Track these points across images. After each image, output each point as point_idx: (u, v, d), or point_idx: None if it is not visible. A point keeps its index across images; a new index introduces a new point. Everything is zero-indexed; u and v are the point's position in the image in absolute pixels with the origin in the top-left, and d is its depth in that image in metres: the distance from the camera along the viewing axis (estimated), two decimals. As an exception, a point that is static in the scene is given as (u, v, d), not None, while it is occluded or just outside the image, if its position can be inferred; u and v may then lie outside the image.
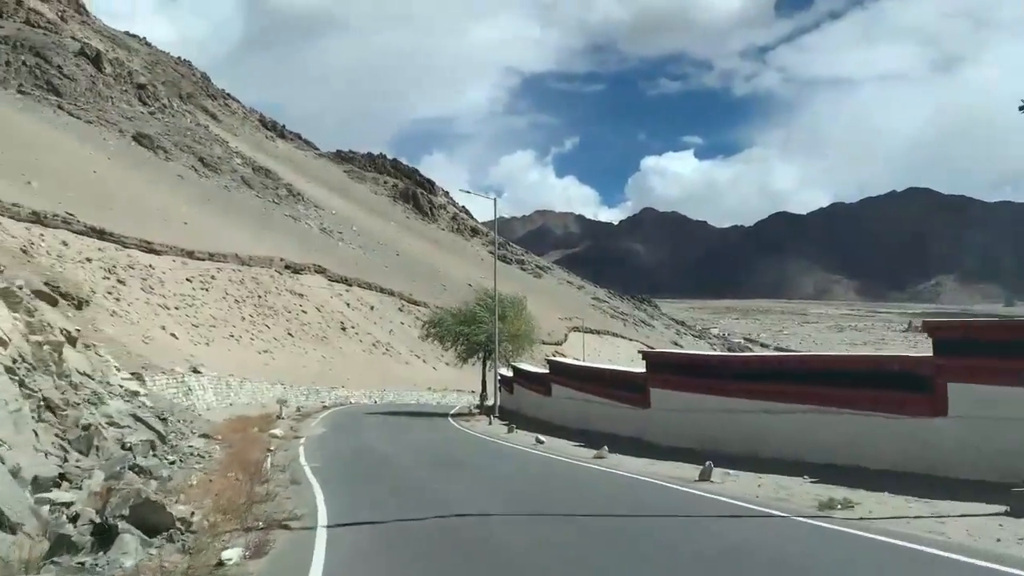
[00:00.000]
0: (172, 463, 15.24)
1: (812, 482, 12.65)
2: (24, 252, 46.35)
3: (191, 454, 17.05)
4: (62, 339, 15.89)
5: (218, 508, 10.06)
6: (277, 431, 23.48)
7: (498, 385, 42.38)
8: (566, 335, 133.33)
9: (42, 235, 60.19)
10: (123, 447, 15.56)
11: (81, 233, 65.46)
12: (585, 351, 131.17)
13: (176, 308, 63.71)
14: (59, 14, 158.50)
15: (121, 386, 20.26)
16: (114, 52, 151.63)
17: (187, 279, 71.12)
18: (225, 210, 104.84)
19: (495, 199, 43.17)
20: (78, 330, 20.76)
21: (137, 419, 17.86)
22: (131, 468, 12.46)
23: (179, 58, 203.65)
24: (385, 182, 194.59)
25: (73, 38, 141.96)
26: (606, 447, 18.14)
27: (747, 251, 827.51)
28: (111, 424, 16.77)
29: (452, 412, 44.07)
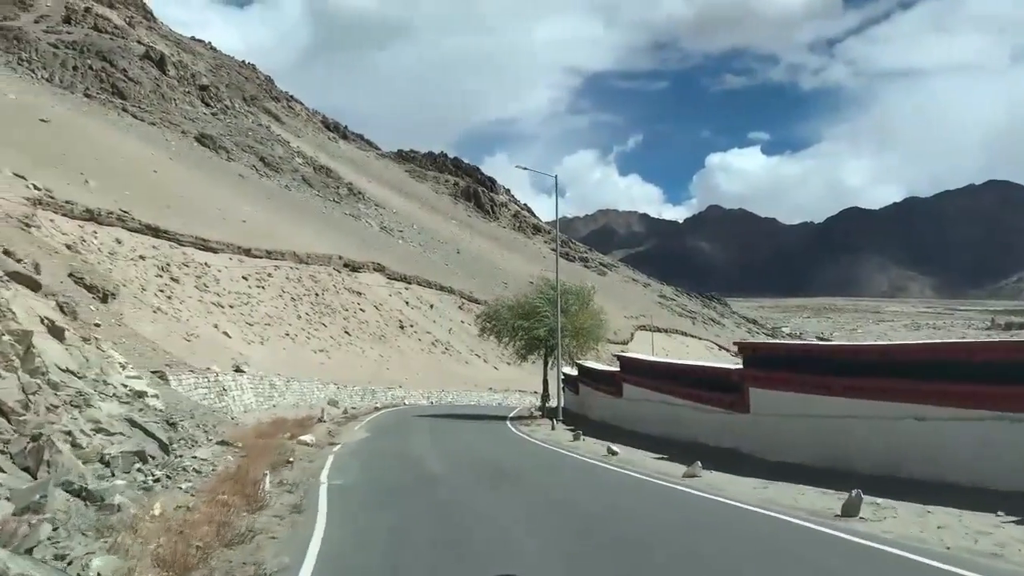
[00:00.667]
0: (156, 481, 12.24)
1: (1014, 521, 8.86)
2: (69, 248, 44.87)
3: (190, 468, 14.06)
4: (29, 329, 13.08)
5: (158, 561, 6.87)
6: (309, 437, 20.46)
7: (561, 385, 38.85)
8: (632, 334, 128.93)
9: (95, 232, 59.06)
10: (102, 460, 12.66)
11: (136, 231, 64.33)
12: (653, 350, 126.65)
13: (230, 306, 62.03)
14: (127, 20, 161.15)
15: (125, 386, 17.47)
16: (179, 56, 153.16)
17: (243, 277, 69.55)
18: (284, 209, 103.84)
19: (555, 177, 38.89)
20: (97, 323, 18.13)
21: (133, 424, 14.97)
22: (74, 491, 9.42)
23: (243, 62, 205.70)
24: (446, 181, 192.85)
25: (139, 42, 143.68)
26: (698, 463, 14.49)
27: (817, 248, 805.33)
28: (98, 431, 13.88)
29: (511, 415, 40.68)
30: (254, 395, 31.58)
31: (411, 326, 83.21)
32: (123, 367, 17.99)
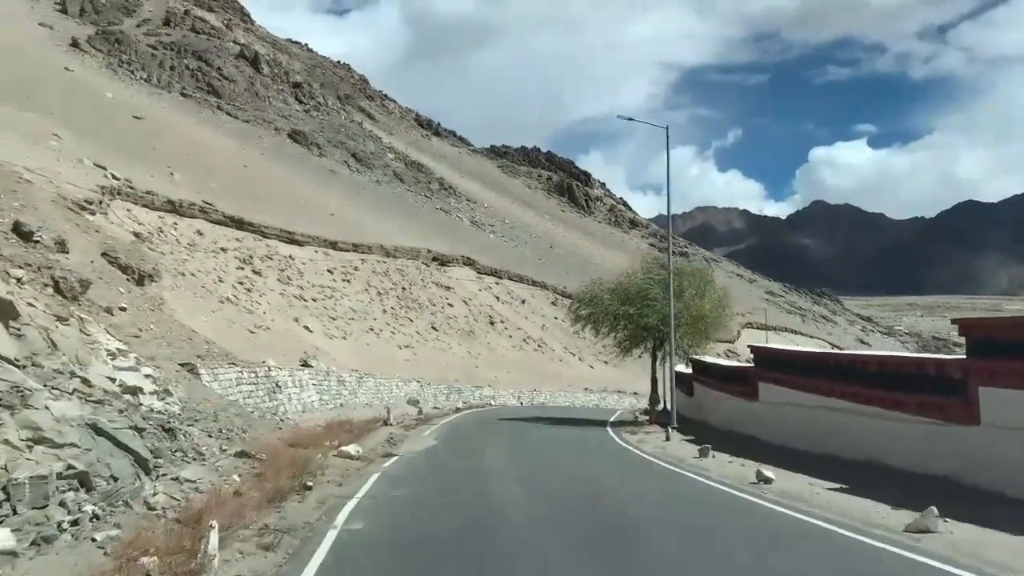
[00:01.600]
0: (66, 528, 7.86)
1: None
2: (137, 236, 42.34)
3: (150, 500, 9.69)
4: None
5: None
6: (354, 448, 15.99)
7: (673, 385, 33.27)
8: (739, 332, 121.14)
9: (176, 224, 57.05)
10: (3, 489, 8.45)
11: (218, 223, 62.25)
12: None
13: (313, 300, 59.11)
14: (224, 23, 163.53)
15: (113, 379, 13.34)
16: (273, 56, 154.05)
17: (328, 270, 66.76)
18: (374, 203, 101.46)
19: (667, 129, 32.76)
20: (123, 307, 14.20)
21: (98, 432, 10.74)
22: None
23: (338, 62, 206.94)
24: (539, 176, 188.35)
25: (235, 42, 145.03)
26: (933, 509, 9.09)
27: (929, 244, 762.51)
28: (38, 441, 9.72)
29: (612, 419, 35.35)
30: (317, 393, 27.64)
31: (501, 322, 78.92)
32: (115, 355, 13.90)
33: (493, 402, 50.65)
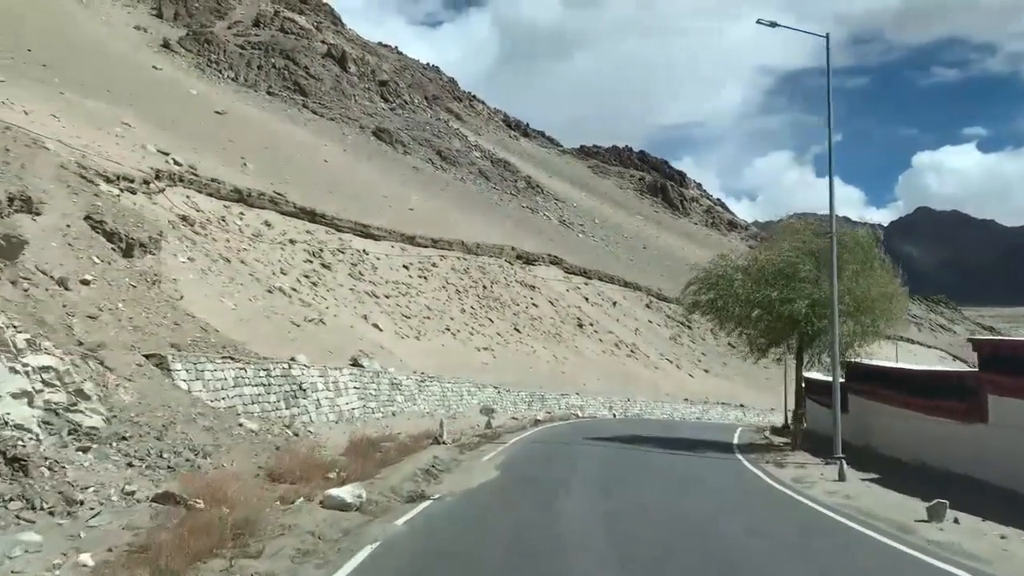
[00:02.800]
0: None
1: None
2: (184, 219, 38.33)
3: None
4: None
5: None
6: (351, 491, 10.21)
7: (836, 398, 25.22)
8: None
9: (242, 213, 53.41)
10: None
11: (289, 214, 58.48)
12: (872, 360, 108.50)
13: (386, 297, 54.53)
14: (315, 25, 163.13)
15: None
16: (361, 55, 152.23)
17: (404, 266, 62.19)
18: (456, 199, 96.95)
19: (827, 36, 24.96)
20: (86, 279, 9.10)
21: None
22: None
23: (427, 64, 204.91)
24: (631, 176, 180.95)
25: (322, 42, 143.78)
26: None
27: None
28: None
29: (737, 441, 28.28)
30: (361, 399, 22.43)
31: (591, 324, 72.75)
32: (21, 350, 8.67)
33: (581, 413, 44.54)
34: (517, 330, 62.28)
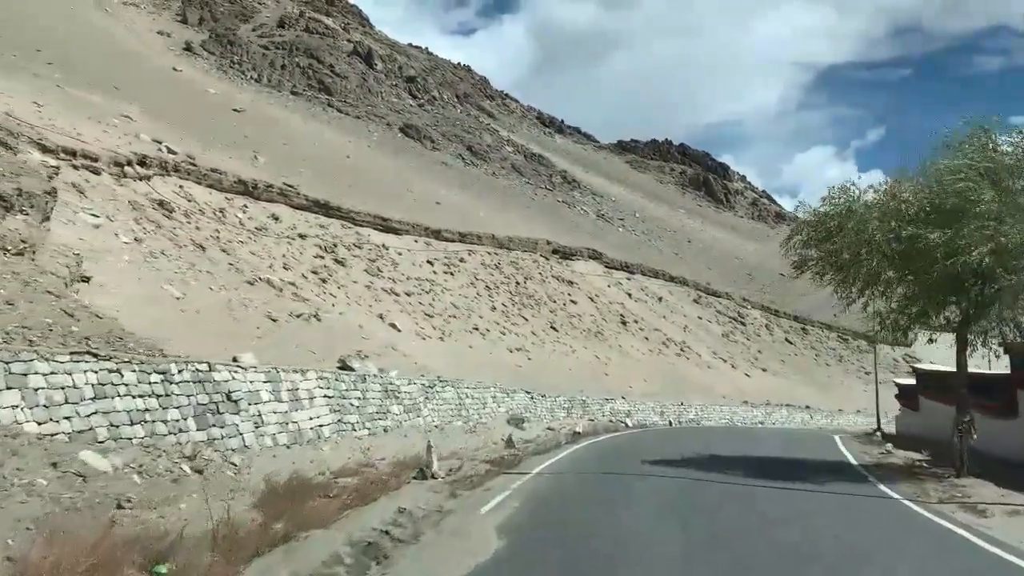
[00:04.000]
0: None
1: None
2: (160, 204, 33.27)
3: None
4: None
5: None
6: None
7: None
8: (916, 335, 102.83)
9: (246, 206, 48.53)
10: None
11: (300, 208, 53.54)
12: (940, 355, 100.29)
13: (407, 294, 49.15)
14: (343, 26, 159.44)
15: None
16: (389, 54, 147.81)
17: (428, 262, 56.81)
18: (487, 193, 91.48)
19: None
20: None
21: None
22: None
23: (458, 64, 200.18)
24: (671, 169, 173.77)
25: (348, 40, 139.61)
26: None
27: None
28: None
29: (855, 460, 21.50)
30: (336, 411, 16.75)
31: (635, 322, 66.56)
32: None
33: (628, 421, 38.30)
34: (554, 329, 56.44)
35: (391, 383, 20.39)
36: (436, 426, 21.53)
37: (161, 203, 32.42)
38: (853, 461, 20.20)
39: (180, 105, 73.59)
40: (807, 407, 60.14)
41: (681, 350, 65.26)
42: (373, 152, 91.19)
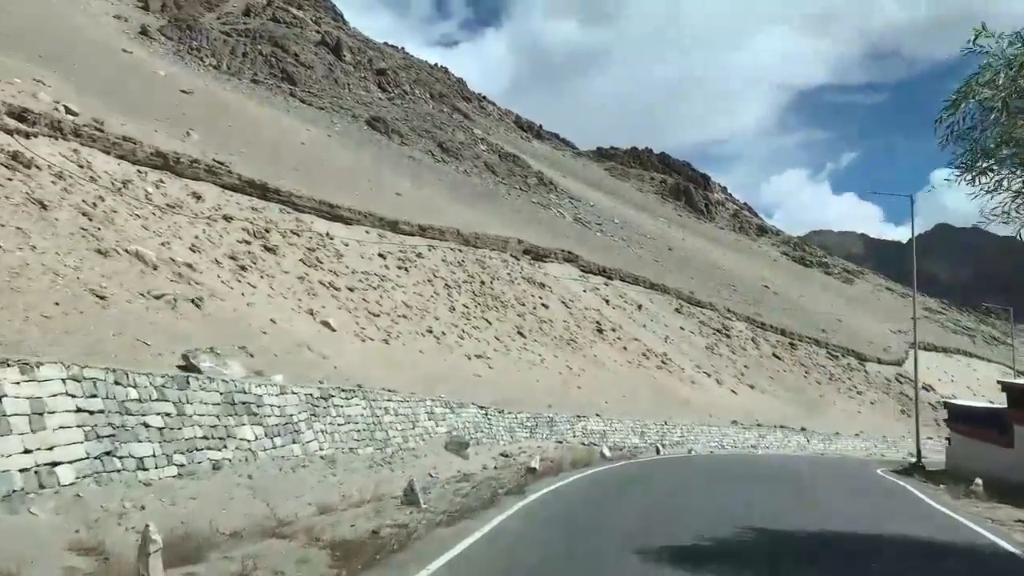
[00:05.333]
0: None
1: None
2: (14, 157, 26.21)
3: None
4: None
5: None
6: None
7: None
8: (907, 352, 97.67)
9: (161, 181, 41.43)
10: None
11: (232, 188, 46.59)
12: (935, 374, 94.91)
13: (350, 289, 42.31)
14: (314, 19, 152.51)
15: None
16: (360, 47, 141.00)
17: (380, 255, 50.00)
18: (457, 190, 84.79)
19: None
20: None
21: None
22: None
23: (435, 64, 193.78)
24: (652, 179, 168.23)
25: (316, 31, 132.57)
26: None
27: None
28: None
29: (960, 516, 15.09)
30: (95, 439, 9.82)
31: (612, 330, 60.05)
32: None
33: (605, 447, 31.10)
34: (521, 334, 49.74)
35: (244, 389, 13.49)
36: (323, 457, 14.71)
37: (15, 155, 25.32)
38: (1007, 546, 12.44)
39: (116, 82, 66.27)
40: (803, 429, 53.84)
41: (663, 362, 58.78)
42: (333, 142, 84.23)
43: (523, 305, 55.01)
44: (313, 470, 13.30)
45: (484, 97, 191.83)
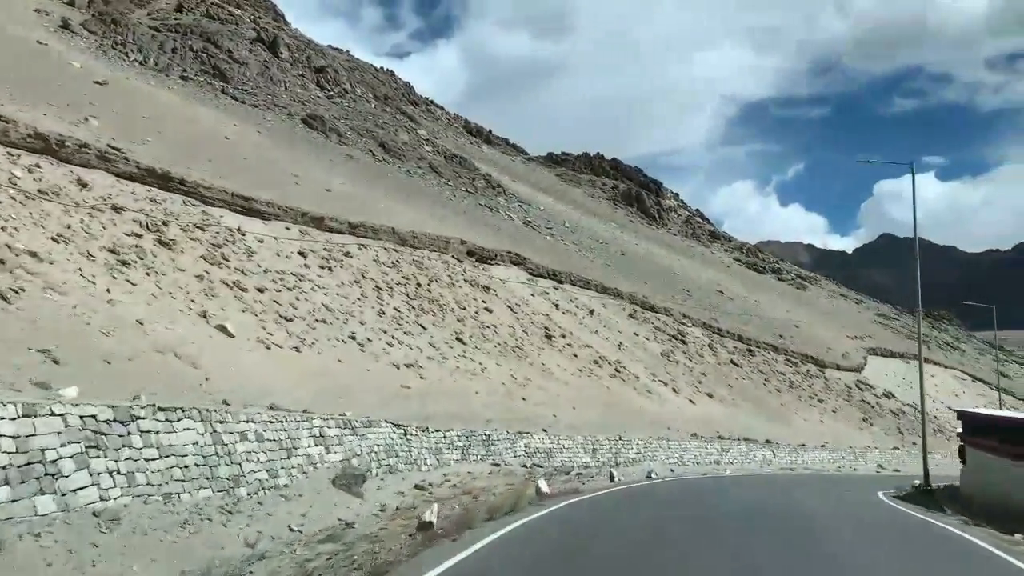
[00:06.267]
0: None
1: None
2: None
3: None
4: None
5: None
6: None
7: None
8: (865, 358, 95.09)
9: (38, 165, 35.67)
10: None
11: (127, 176, 40.94)
12: (894, 380, 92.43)
13: (259, 290, 36.90)
14: (252, 19, 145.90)
15: None
16: (298, 45, 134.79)
17: (300, 253, 44.59)
18: (397, 190, 79.49)
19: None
20: None
21: None
22: None
23: (381, 68, 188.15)
24: (603, 184, 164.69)
25: (253, 29, 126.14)
26: None
27: (1009, 277, 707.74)
28: None
29: None
30: None
31: (562, 336, 55.41)
32: None
33: (543, 482, 25.63)
34: (461, 341, 44.71)
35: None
36: (100, 512, 9.56)
37: None
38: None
39: (13, 68, 59.69)
40: (768, 441, 49.70)
41: (616, 370, 54.26)
42: (262, 138, 78.32)
43: (464, 309, 50.01)
44: (58, 538, 8.29)
45: (432, 102, 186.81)
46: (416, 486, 18.58)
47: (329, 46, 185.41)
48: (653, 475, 26.41)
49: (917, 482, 27.96)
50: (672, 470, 34.74)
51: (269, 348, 31.61)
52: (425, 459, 24.01)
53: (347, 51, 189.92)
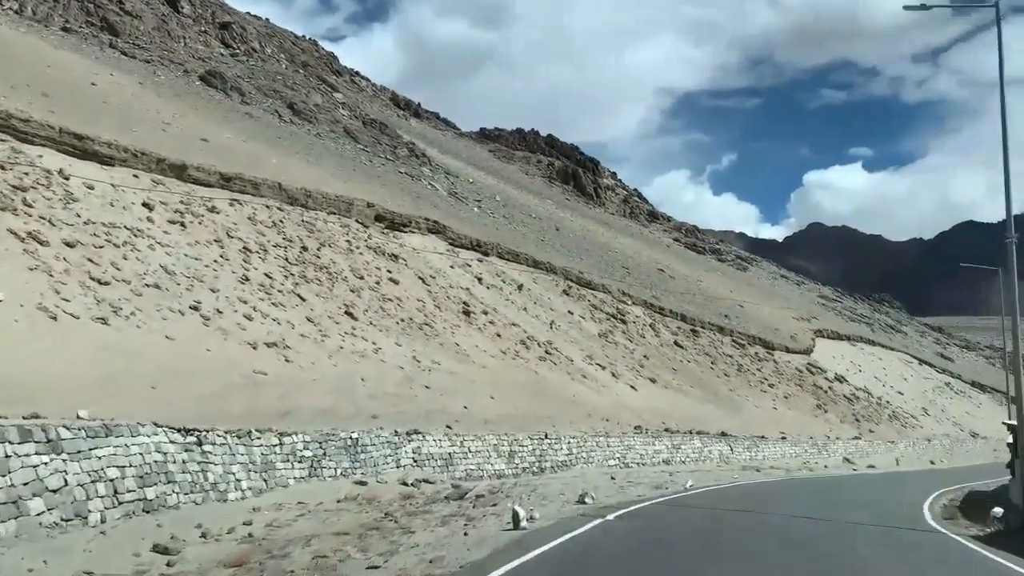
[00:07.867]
0: None
1: None
2: None
3: None
4: None
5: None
6: None
7: None
8: (813, 340, 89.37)
9: None
10: None
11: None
12: (843, 364, 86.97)
13: (69, 245, 27.65)
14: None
15: None
16: (205, 4, 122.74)
17: (144, 204, 35.09)
18: (302, 150, 69.92)
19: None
20: None
21: None
22: None
23: (303, 36, 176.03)
24: (539, 161, 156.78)
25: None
26: None
27: (930, 265, 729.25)
28: None
29: None
30: None
31: (484, 312, 47.16)
32: None
33: (447, 489, 16.97)
34: (351, 315, 35.98)
35: None
36: None
37: None
38: None
39: None
40: (723, 434, 42.33)
41: (547, 352, 46.29)
42: (143, 89, 67.75)
43: (361, 279, 41.21)
44: None
45: (357, 72, 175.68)
46: (154, 547, 10.14)
47: (248, 13, 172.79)
48: (589, 498, 18.32)
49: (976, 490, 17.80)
50: (612, 477, 26.66)
51: (55, 319, 22.52)
52: (239, 482, 15.53)
53: (266, 19, 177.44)
